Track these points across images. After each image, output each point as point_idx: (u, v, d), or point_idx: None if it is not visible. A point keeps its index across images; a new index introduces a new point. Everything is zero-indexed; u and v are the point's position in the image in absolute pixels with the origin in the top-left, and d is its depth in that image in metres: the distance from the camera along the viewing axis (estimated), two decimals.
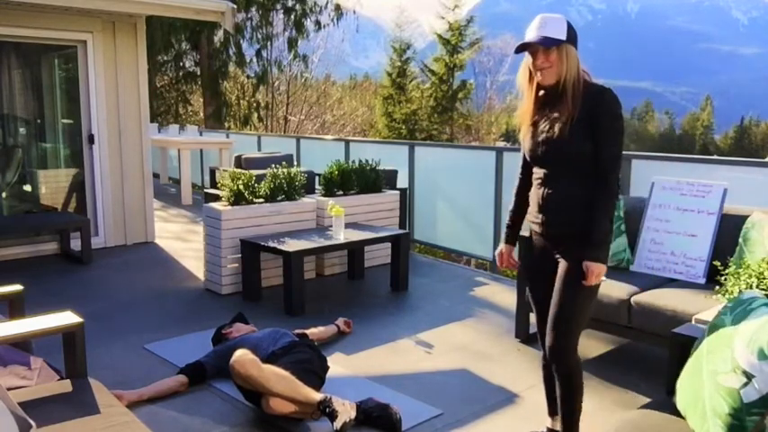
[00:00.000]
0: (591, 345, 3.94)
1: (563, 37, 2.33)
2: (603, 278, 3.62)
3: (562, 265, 2.46)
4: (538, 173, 2.51)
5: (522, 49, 2.39)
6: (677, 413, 1.99)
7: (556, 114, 2.38)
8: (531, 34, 2.35)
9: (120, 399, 2.78)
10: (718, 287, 3.25)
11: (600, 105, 2.33)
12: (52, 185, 6.72)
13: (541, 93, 2.45)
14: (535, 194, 2.53)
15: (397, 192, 6.14)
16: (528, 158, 2.55)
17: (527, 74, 2.45)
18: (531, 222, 2.57)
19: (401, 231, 5.27)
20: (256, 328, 3.70)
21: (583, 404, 2.58)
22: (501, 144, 29.26)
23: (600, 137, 2.32)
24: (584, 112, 2.32)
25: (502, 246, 2.74)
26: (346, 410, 2.71)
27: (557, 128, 2.36)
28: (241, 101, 23.35)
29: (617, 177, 2.35)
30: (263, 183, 5.26)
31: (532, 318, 2.72)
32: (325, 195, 5.64)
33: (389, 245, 5.24)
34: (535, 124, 2.47)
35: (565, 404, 2.53)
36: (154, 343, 3.91)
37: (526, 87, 2.47)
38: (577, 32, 2.40)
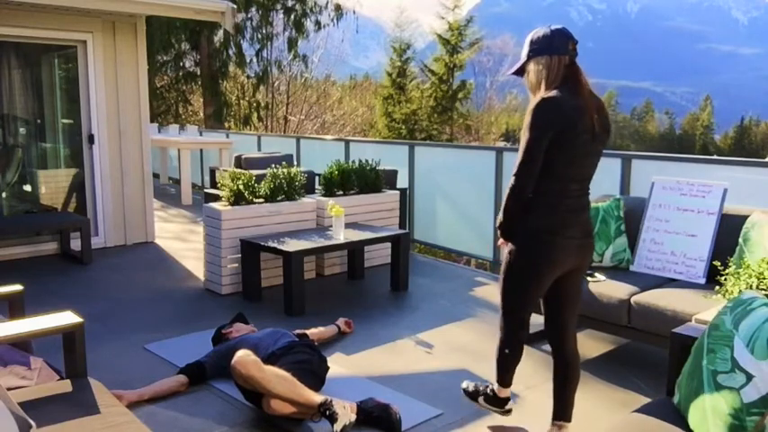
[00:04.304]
0: (591, 345, 3.95)
1: (523, 59, 2.53)
2: (602, 278, 3.65)
3: None
4: None
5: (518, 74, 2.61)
6: (677, 413, 1.99)
7: None
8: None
9: (120, 399, 2.78)
10: (718, 287, 3.25)
11: None
12: (52, 185, 6.72)
13: None
14: None
15: (397, 192, 6.14)
16: None
17: None
18: None
19: (401, 231, 5.27)
20: (256, 328, 3.70)
21: (583, 404, 2.67)
22: (501, 144, 29.30)
23: None
24: None
25: None
26: (346, 413, 2.71)
27: None
28: (241, 101, 23.35)
29: (518, 172, 2.42)
30: (263, 183, 5.26)
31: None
32: (325, 195, 5.64)
33: (389, 245, 5.24)
34: None
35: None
36: (154, 343, 3.91)
37: None
38: (554, 34, 2.47)
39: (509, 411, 2.91)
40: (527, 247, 2.50)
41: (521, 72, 2.55)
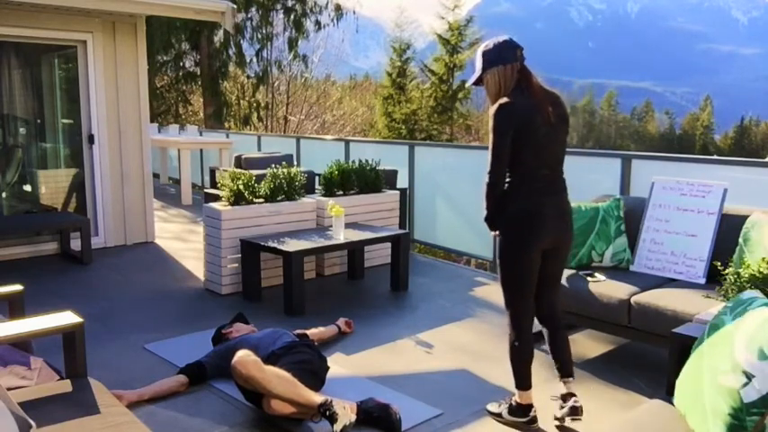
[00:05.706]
0: (591, 345, 3.95)
1: (479, 72, 2.82)
2: (602, 278, 3.65)
3: None
4: None
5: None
6: (677, 413, 1.99)
7: None
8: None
9: (120, 399, 2.78)
10: (718, 287, 3.25)
11: None
12: (52, 185, 6.72)
13: None
14: None
15: (397, 192, 6.14)
16: None
17: None
18: None
19: (401, 231, 5.27)
20: (256, 328, 3.70)
21: (583, 404, 2.81)
22: None
23: None
24: None
25: None
26: (346, 414, 2.71)
27: None
28: (241, 101, 23.35)
29: (491, 170, 2.84)
30: (263, 183, 5.26)
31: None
32: (325, 195, 5.64)
33: (389, 245, 5.24)
34: None
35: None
36: (154, 343, 3.91)
37: None
38: (502, 46, 2.76)
39: (535, 420, 2.89)
40: (509, 229, 2.83)
41: (480, 82, 2.85)
